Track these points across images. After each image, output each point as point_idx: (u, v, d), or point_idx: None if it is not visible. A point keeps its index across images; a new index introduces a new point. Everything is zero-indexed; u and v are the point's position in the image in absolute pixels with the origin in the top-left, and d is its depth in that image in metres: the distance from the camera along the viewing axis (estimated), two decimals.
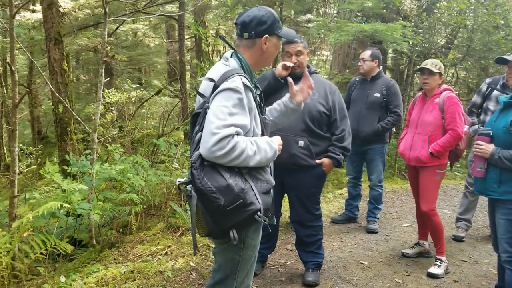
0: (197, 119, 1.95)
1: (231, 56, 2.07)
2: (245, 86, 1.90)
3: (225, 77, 1.89)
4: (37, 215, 2.81)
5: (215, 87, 1.89)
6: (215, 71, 2.00)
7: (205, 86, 2.01)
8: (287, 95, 2.37)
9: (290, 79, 2.36)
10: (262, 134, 2.07)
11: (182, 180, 1.94)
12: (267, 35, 2.05)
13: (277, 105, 2.38)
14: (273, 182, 2.03)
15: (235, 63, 2.03)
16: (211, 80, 1.93)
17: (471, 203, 4.57)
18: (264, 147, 1.93)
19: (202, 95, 2.00)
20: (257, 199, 1.86)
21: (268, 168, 2.05)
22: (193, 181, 1.82)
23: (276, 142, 2.02)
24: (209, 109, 1.86)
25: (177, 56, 8.67)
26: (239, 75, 1.91)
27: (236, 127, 1.82)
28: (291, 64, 3.05)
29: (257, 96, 2.06)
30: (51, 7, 5.83)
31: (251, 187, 1.87)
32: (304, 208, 3.26)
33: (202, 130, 1.86)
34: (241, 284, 2.13)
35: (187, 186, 1.88)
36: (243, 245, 2.03)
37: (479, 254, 4.16)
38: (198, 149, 1.86)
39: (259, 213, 1.86)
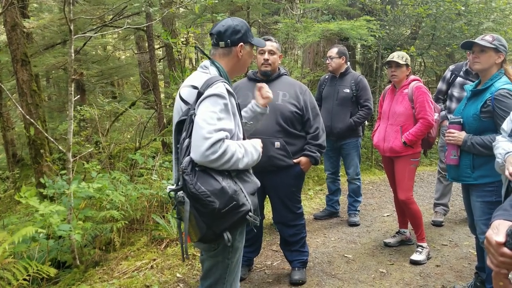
0: (182, 126, 1.98)
1: (210, 64, 2.13)
2: (228, 92, 1.98)
3: (208, 83, 1.96)
4: (13, 241, 2.76)
5: (199, 94, 1.95)
6: (197, 79, 2.05)
7: (188, 93, 2.04)
8: (253, 101, 2.48)
9: (258, 84, 2.47)
10: (244, 138, 2.15)
11: (173, 187, 1.96)
12: (242, 43, 2.15)
13: (244, 112, 2.45)
14: (259, 183, 2.11)
15: (215, 71, 2.10)
16: (194, 87, 1.99)
17: (446, 188, 4.70)
18: (250, 150, 2.02)
19: (186, 102, 2.03)
20: (247, 200, 1.94)
21: (251, 170, 2.13)
22: (186, 186, 1.85)
23: (258, 144, 2.11)
24: (196, 115, 1.90)
25: (149, 66, 8.62)
26: (222, 82, 1.98)
27: (225, 131, 1.89)
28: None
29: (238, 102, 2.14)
30: (15, 29, 5.72)
31: (241, 188, 1.95)
32: (286, 208, 3.30)
33: (190, 136, 1.91)
34: None
35: (178, 193, 1.90)
36: (232, 248, 2.07)
37: (459, 237, 4.28)
38: (187, 155, 1.89)
39: (250, 213, 1.94)
